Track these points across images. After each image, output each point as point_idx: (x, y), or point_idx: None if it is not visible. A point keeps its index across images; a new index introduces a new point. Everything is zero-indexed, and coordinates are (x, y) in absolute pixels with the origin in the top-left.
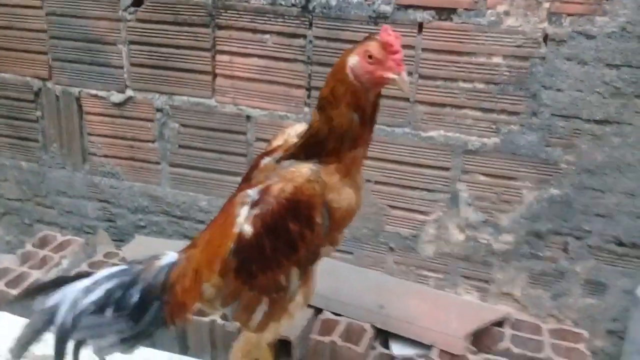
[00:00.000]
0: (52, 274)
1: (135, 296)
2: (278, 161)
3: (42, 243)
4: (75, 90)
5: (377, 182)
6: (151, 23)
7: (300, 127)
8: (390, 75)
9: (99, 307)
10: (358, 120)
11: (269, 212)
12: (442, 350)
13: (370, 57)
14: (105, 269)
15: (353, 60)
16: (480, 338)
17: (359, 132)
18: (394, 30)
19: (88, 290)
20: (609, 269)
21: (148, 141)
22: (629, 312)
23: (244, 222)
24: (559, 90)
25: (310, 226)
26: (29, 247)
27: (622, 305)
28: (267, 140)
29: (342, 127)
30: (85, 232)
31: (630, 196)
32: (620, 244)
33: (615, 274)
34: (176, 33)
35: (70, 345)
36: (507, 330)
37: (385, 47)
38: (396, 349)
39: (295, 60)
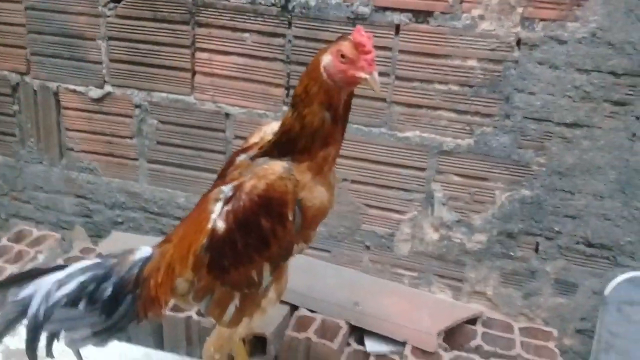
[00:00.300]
0: (28, 269)
1: (108, 290)
2: (252, 159)
3: (18, 238)
4: (53, 85)
5: (354, 181)
6: (131, 19)
7: (276, 125)
8: (362, 74)
9: (72, 299)
10: (330, 119)
11: (241, 208)
12: (415, 347)
13: (342, 56)
14: (79, 262)
15: (326, 59)
16: (453, 335)
17: (331, 130)
18: (366, 31)
19: (61, 282)
20: (578, 269)
21: (126, 137)
22: (598, 311)
23: (217, 217)
24: (531, 93)
25: (282, 223)
26: (4, 241)
27: (590, 305)
28: (246, 138)
29: (313, 125)
30: (62, 228)
31: (599, 198)
32: (589, 244)
33: (585, 274)
34: (156, 30)
35: (43, 337)
36: (479, 328)
37: (358, 47)
38: (370, 345)
39: (274, 59)
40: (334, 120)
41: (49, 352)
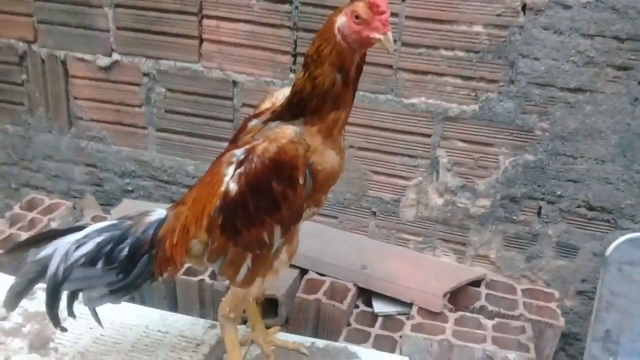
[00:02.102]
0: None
1: (124, 250)
2: (265, 122)
3: (30, 206)
4: (61, 54)
5: (360, 148)
6: None
7: (288, 91)
8: (376, 35)
9: (90, 259)
10: (341, 81)
11: (252, 171)
12: (421, 308)
13: (357, 17)
14: (96, 223)
15: (340, 20)
16: (458, 297)
17: (341, 93)
18: None
19: (79, 242)
20: (579, 232)
21: (135, 105)
22: (598, 273)
23: (229, 180)
24: (535, 59)
25: (292, 186)
26: (17, 209)
27: (591, 267)
28: (253, 106)
29: (324, 86)
30: (72, 196)
31: (601, 162)
32: (591, 208)
33: (585, 236)
34: None
35: (63, 297)
36: (483, 290)
37: (372, 7)
38: (378, 306)
39: (281, 26)
40: (344, 82)
41: (70, 312)
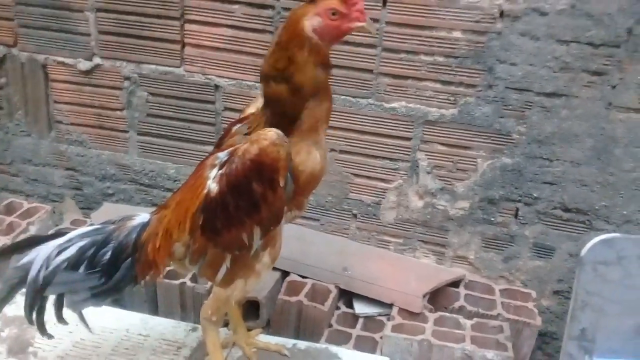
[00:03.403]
0: (27, 236)
1: (107, 254)
2: (247, 134)
3: (9, 210)
4: (41, 58)
5: (341, 152)
6: None
7: None
8: (359, 24)
9: (72, 264)
10: (323, 74)
11: (233, 172)
12: (401, 309)
13: (333, 13)
14: (78, 228)
15: (314, 21)
16: (437, 297)
17: (326, 84)
18: None
19: (61, 247)
20: (555, 233)
21: (116, 109)
22: (574, 273)
23: (211, 182)
24: (512, 64)
25: (272, 188)
26: None
27: (567, 267)
28: (236, 110)
29: (310, 87)
30: (52, 200)
31: (576, 165)
32: (566, 209)
33: (562, 237)
34: (144, 1)
35: (49, 304)
36: (462, 290)
37: (346, 0)
38: (359, 307)
39: (263, 31)
40: (326, 73)
41: (60, 318)
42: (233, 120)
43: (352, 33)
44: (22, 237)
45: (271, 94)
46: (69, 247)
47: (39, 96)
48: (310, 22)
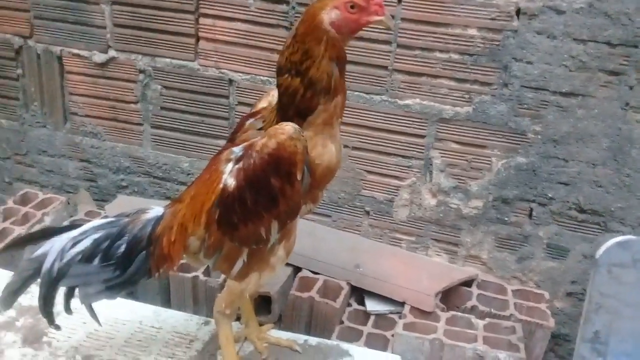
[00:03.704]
0: (42, 228)
1: (122, 247)
2: (261, 129)
3: (24, 200)
4: (57, 49)
5: (354, 148)
6: None
7: None
8: (377, 17)
9: (87, 256)
10: (338, 69)
11: (251, 166)
12: (413, 307)
13: (352, 7)
14: (93, 221)
15: (332, 14)
16: (449, 296)
17: (339, 80)
18: None
19: (76, 240)
20: (570, 234)
21: (130, 102)
22: (588, 275)
23: (228, 176)
24: (528, 62)
25: (290, 182)
26: (10, 203)
27: (581, 269)
28: (249, 104)
29: (323, 81)
30: (66, 191)
31: (592, 165)
32: (581, 210)
33: (576, 238)
34: None
35: (60, 294)
36: (474, 290)
37: None
38: (370, 305)
39: (277, 26)
40: (341, 70)
41: (68, 308)
42: (246, 114)
43: (369, 27)
44: (37, 227)
45: (286, 87)
46: (83, 239)
47: (54, 88)
48: (329, 15)
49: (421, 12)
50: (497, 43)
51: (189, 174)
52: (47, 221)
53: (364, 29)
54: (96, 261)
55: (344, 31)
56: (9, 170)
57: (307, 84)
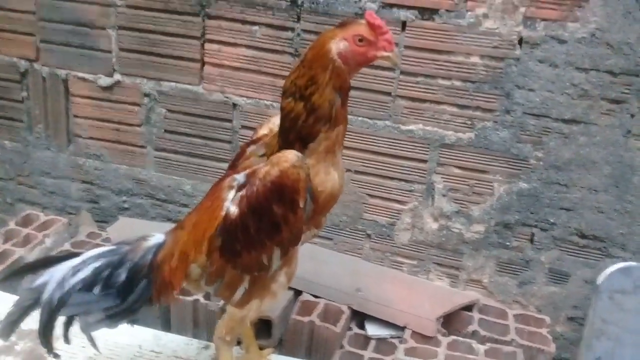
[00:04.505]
0: (36, 253)
1: (122, 275)
2: (262, 155)
3: (25, 222)
4: (62, 73)
5: (357, 172)
6: (141, 9)
7: None
8: (385, 53)
9: (87, 285)
10: (340, 99)
11: (254, 194)
12: (414, 332)
13: (360, 40)
14: (93, 249)
15: (341, 45)
16: (451, 321)
17: (340, 110)
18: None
19: (76, 268)
20: (571, 259)
21: (134, 125)
22: (589, 300)
23: (230, 203)
24: (531, 90)
25: (293, 210)
26: (12, 225)
27: (582, 294)
28: (253, 128)
29: (325, 110)
30: (68, 213)
31: (594, 192)
32: (583, 236)
33: (577, 264)
34: (166, 20)
35: (60, 321)
36: (475, 315)
37: (375, 29)
38: (371, 329)
39: (282, 52)
40: (343, 100)
41: (66, 338)
42: (246, 141)
43: (377, 62)
44: (38, 249)
45: (289, 111)
46: (83, 268)
47: (59, 110)
48: (337, 46)
49: (424, 40)
50: (499, 71)
51: (191, 196)
52: (48, 243)
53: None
54: (97, 290)
55: (350, 63)
56: (11, 191)
57: (310, 109)
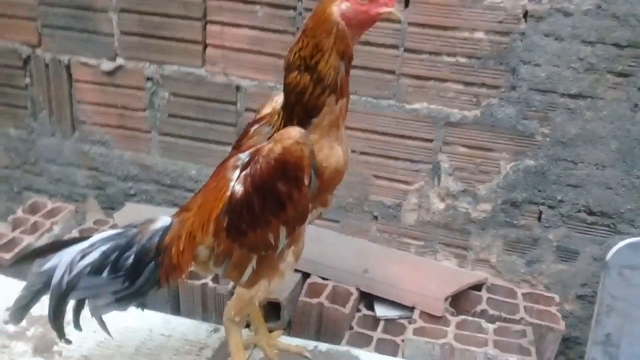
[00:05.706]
0: (44, 240)
1: (130, 258)
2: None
3: (33, 209)
4: (65, 58)
5: (362, 153)
6: None
7: None
8: (387, 9)
9: (96, 268)
10: (344, 68)
11: (257, 172)
12: (422, 312)
13: None
14: (101, 233)
15: (343, 6)
16: (459, 301)
17: (345, 80)
18: None
19: (84, 252)
20: (579, 237)
21: (138, 110)
22: (598, 278)
23: (235, 183)
24: (536, 65)
25: (297, 187)
26: (19, 213)
27: (591, 272)
28: (256, 110)
29: (330, 79)
30: (75, 200)
31: (601, 167)
32: (591, 213)
33: (586, 241)
34: (167, 2)
35: (69, 305)
36: (484, 294)
37: None
38: (380, 310)
39: (285, 32)
40: (347, 70)
41: (77, 324)
42: (250, 121)
43: (377, 28)
44: (46, 236)
45: (295, 85)
46: (92, 251)
47: (62, 96)
48: (339, 7)
49: (428, 16)
50: (504, 46)
51: (197, 181)
52: (56, 230)
53: (370, 29)
54: (105, 273)
55: (353, 24)
56: (18, 179)
57: (316, 80)
